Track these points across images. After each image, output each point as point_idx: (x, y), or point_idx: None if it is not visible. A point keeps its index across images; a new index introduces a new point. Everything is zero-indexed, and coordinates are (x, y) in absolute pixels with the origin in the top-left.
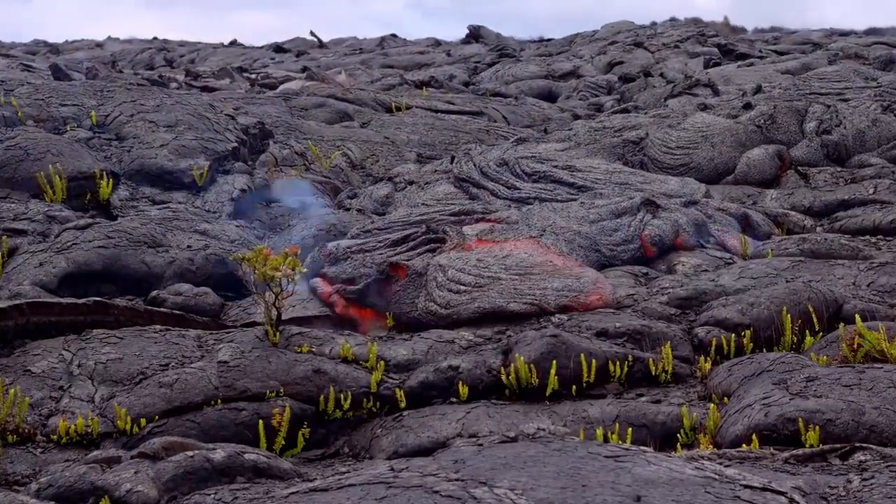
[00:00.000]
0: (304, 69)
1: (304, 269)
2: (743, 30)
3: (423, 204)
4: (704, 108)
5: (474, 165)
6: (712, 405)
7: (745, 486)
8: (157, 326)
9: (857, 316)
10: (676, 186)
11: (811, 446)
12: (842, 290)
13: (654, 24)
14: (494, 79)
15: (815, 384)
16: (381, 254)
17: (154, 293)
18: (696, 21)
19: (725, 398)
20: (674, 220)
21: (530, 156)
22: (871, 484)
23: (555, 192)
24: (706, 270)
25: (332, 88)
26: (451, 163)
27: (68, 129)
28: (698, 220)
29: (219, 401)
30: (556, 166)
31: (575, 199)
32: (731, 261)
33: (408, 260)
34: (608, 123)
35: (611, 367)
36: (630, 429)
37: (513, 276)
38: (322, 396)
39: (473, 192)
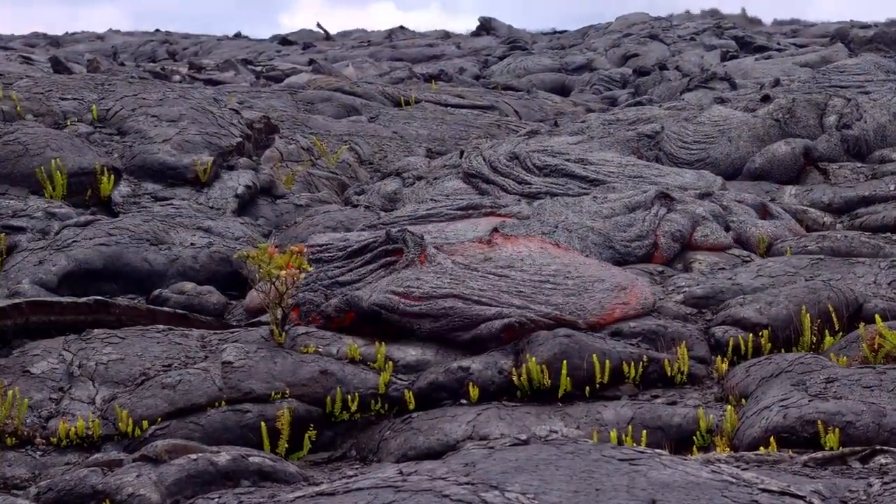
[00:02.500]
0: (311, 62)
1: (311, 268)
2: (761, 22)
3: (431, 199)
4: (721, 101)
5: (484, 160)
6: (729, 407)
7: (763, 490)
8: (160, 326)
9: (877, 315)
10: (692, 179)
11: (831, 449)
12: (862, 289)
13: (669, 15)
14: (506, 72)
15: (834, 385)
16: (338, 267)
17: (156, 292)
18: (712, 13)
19: (743, 400)
20: (691, 213)
21: (542, 149)
22: (893, 488)
23: (566, 186)
24: (723, 268)
25: (339, 82)
26: (461, 157)
27: (68, 123)
28: (715, 212)
29: (223, 402)
30: (568, 160)
31: (587, 194)
32: (748, 259)
33: (358, 279)
34: (622, 116)
35: (625, 367)
36: (645, 431)
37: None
38: (329, 398)
39: (483, 188)
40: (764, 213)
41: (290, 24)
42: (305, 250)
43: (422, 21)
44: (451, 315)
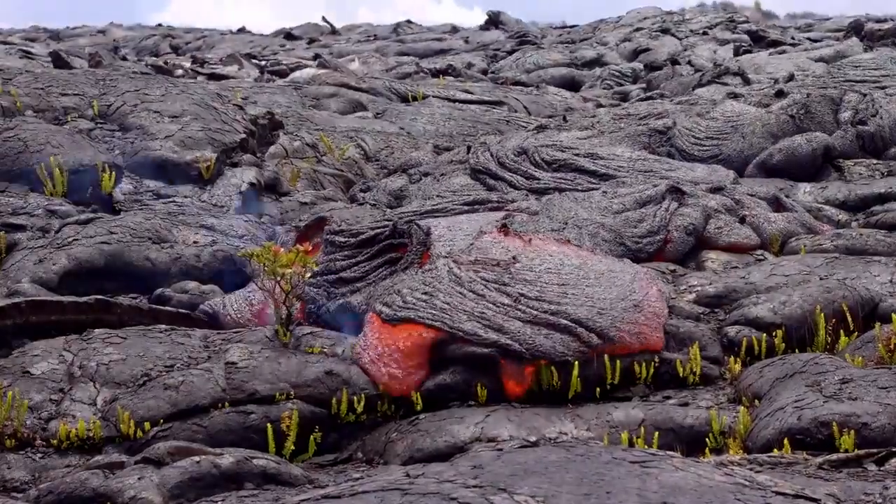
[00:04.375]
0: (316, 57)
1: (316, 266)
2: (775, 16)
3: (437, 196)
4: (734, 96)
5: (491, 155)
6: (742, 408)
7: (777, 493)
8: (162, 326)
9: (893, 315)
10: (704, 174)
11: (846, 451)
12: (878, 288)
13: (682, 9)
14: (514, 67)
15: (849, 386)
16: (347, 257)
17: (159, 291)
18: (725, 6)
19: (756, 401)
20: (703, 206)
21: (550, 144)
22: None
23: (575, 181)
24: (736, 267)
25: (344, 77)
26: (468, 153)
27: (69, 119)
28: (728, 206)
29: (226, 404)
30: (577, 154)
31: (596, 189)
32: (762, 257)
33: (362, 276)
34: (633, 111)
35: (636, 368)
36: (656, 433)
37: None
38: (334, 399)
39: (490, 184)
40: (777, 206)
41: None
42: (328, 222)
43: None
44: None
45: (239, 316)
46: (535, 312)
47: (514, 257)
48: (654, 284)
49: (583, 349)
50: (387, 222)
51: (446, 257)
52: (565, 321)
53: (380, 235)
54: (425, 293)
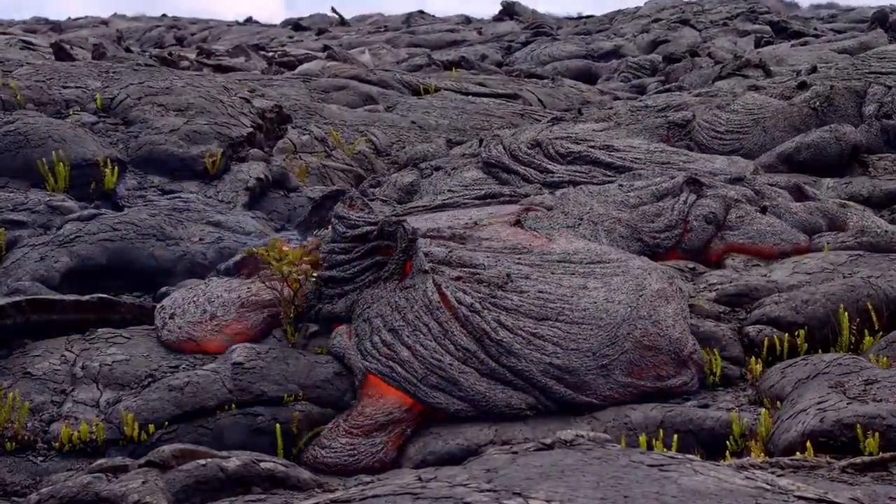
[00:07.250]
0: (325, 48)
1: (323, 263)
2: (797, 6)
3: (448, 190)
4: (755, 89)
5: (504, 149)
6: (764, 410)
7: (800, 497)
8: None
9: None
10: (723, 165)
11: (871, 454)
12: None
13: None
14: (529, 59)
15: (874, 387)
16: (341, 251)
17: (163, 289)
18: None
19: (778, 402)
20: (723, 196)
21: (565, 136)
22: None
23: (590, 174)
24: (757, 265)
25: (354, 69)
26: (480, 146)
27: (71, 113)
28: (748, 196)
29: (233, 405)
30: (592, 146)
31: (612, 182)
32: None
33: (350, 279)
34: (651, 102)
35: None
36: (675, 435)
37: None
38: (344, 400)
39: (503, 178)
40: (799, 195)
41: None
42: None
43: None
44: None
45: (174, 337)
46: (494, 365)
47: (507, 275)
48: (667, 307)
49: (539, 407)
50: (383, 219)
51: (426, 272)
52: (522, 382)
53: (370, 234)
54: (391, 330)
